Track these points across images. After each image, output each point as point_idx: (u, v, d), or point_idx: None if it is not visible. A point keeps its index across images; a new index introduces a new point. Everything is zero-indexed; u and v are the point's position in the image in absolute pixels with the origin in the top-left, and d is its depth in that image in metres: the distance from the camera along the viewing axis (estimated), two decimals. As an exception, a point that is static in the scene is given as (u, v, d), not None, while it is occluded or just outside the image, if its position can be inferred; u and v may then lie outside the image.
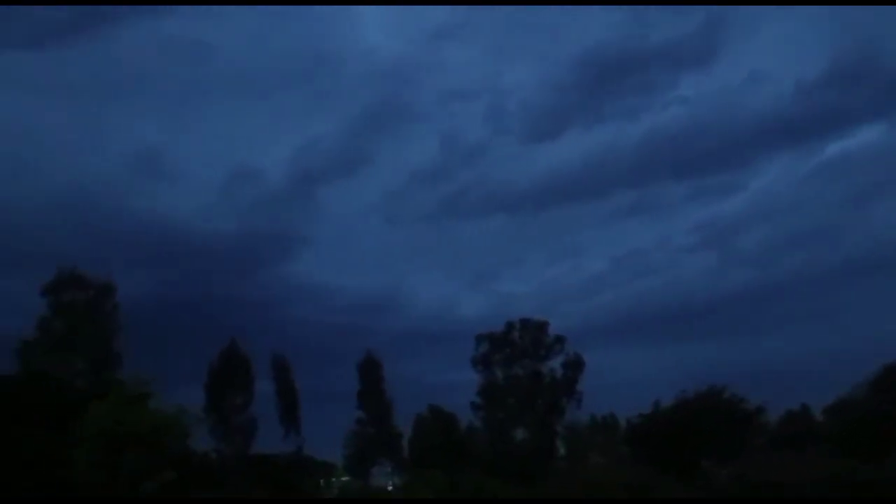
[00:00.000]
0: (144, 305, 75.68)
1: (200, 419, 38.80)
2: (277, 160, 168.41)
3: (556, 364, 65.28)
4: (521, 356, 65.64)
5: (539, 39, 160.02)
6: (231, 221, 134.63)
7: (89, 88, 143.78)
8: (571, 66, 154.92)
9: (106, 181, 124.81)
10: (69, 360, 52.74)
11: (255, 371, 57.80)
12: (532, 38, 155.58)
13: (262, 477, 51.40)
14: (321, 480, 58.77)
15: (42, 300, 52.98)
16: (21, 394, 45.20)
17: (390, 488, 58.37)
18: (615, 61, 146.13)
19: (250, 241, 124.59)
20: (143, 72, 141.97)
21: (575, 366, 64.63)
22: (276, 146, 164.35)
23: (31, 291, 53.31)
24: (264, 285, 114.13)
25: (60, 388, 48.51)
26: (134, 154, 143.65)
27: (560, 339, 65.47)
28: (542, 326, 65.88)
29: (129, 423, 24.27)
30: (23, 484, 35.45)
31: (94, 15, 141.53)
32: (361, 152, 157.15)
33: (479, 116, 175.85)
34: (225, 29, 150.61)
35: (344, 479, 62.43)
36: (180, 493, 32.41)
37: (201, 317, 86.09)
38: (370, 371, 63.29)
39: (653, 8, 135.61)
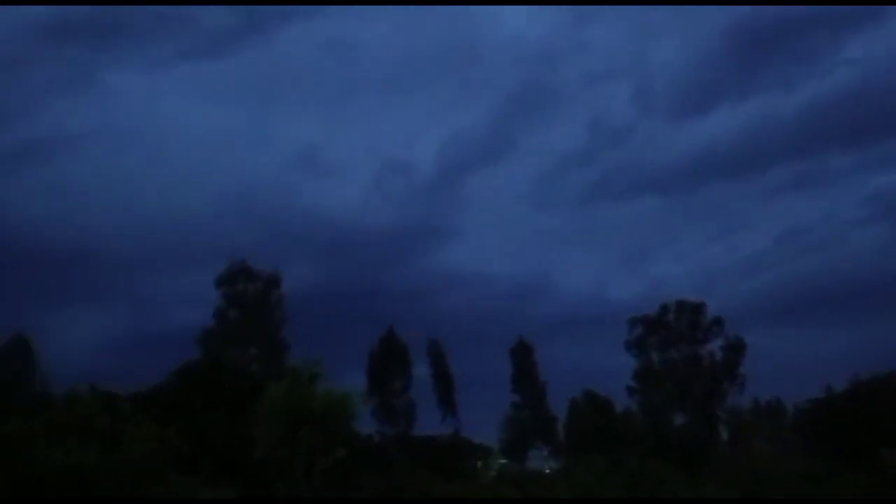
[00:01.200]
0: (308, 296, 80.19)
1: (366, 400, 40.90)
2: (426, 152, 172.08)
3: (714, 347, 62.99)
4: (677, 339, 63.72)
5: (685, 13, 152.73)
6: (385, 214, 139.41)
7: (256, 91, 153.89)
8: (721, 38, 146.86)
9: (271, 179, 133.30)
10: (244, 348, 57.08)
11: (413, 357, 59.93)
12: (677, 11, 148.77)
13: (423, 458, 53.08)
14: (479, 463, 59.92)
15: (217, 292, 57.74)
16: (205, 379, 49.42)
17: (547, 471, 58.51)
18: (769, 29, 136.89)
19: (404, 232, 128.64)
20: (302, 73, 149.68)
21: (736, 349, 61.91)
22: (424, 139, 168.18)
23: (208, 284, 58.15)
24: (419, 274, 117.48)
25: (237, 373, 52.58)
26: (296, 152, 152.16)
27: (719, 321, 62.92)
28: (699, 308, 63.58)
29: (303, 402, 25.90)
30: (210, 462, 38.68)
31: (259, 21, 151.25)
32: (508, 139, 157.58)
33: (626, 96, 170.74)
34: (370, 28, 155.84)
35: (501, 461, 63.28)
36: (350, 472, 34.39)
37: (360, 306, 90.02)
38: (523, 356, 63.71)
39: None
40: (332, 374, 28.32)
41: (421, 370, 60.44)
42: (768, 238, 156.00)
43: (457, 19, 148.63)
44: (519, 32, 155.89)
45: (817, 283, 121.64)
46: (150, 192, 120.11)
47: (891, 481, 39.04)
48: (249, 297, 57.57)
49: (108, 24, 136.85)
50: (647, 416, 63.12)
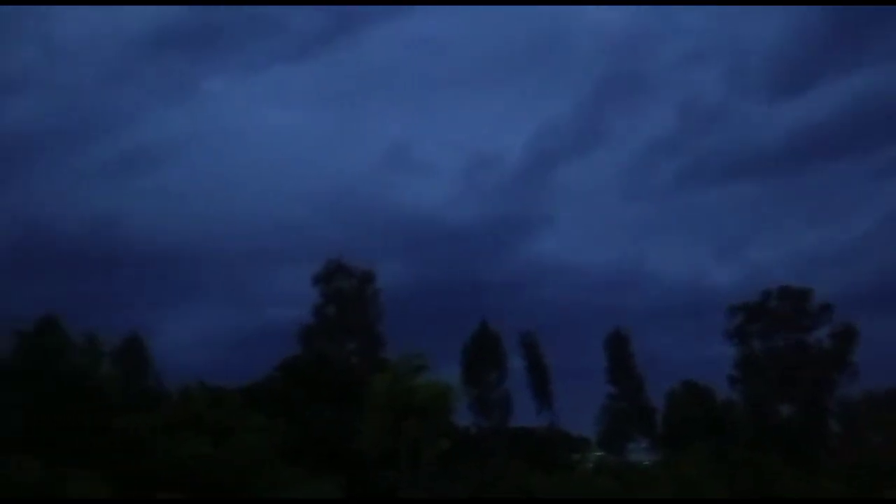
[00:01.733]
0: (402, 291, 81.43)
1: (467, 392, 41.43)
2: (514, 145, 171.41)
3: (822, 335, 60.24)
4: (780, 327, 61.30)
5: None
6: (475, 207, 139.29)
7: (346, 91, 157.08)
8: (822, 10, 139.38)
9: (363, 178, 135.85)
10: (342, 343, 58.75)
11: (507, 349, 60.00)
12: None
13: (519, 450, 53.21)
14: (577, 455, 59.50)
15: (314, 289, 59.62)
16: (307, 373, 51.15)
17: (646, 463, 57.52)
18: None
19: (494, 225, 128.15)
20: (389, 71, 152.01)
21: (846, 336, 59.02)
22: (512, 131, 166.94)
23: (306, 282, 60.06)
24: (510, 267, 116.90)
25: (338, 368, 54.19)
26: (385, 150, 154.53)
27: (827, 308, 60.13)
28: (804, 294, 60.92)
29: (407, 395, 26.49)
30: (314, 453, 39.98)
31: (346, 22, 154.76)
32: (596, 128, 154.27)
33: (719, 77, 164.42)
34: (454, 24, 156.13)
35: (598, 454, 62.61)
36: (452, 464, 34.87)
37: (453, 300, 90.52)
38: (618, 346, 62.74)
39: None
40: (429, 368, 28.76)
41: (515, 362, 60.52)
42: (873, 221, 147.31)
43: (540, 9, 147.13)
44: (605, 18, 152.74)
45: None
46: (249, 194, 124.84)
47: None
48: (346, 294, 59.14)
49: (204, 32, 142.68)
50: (749, 406, 61.07)
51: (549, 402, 60.07)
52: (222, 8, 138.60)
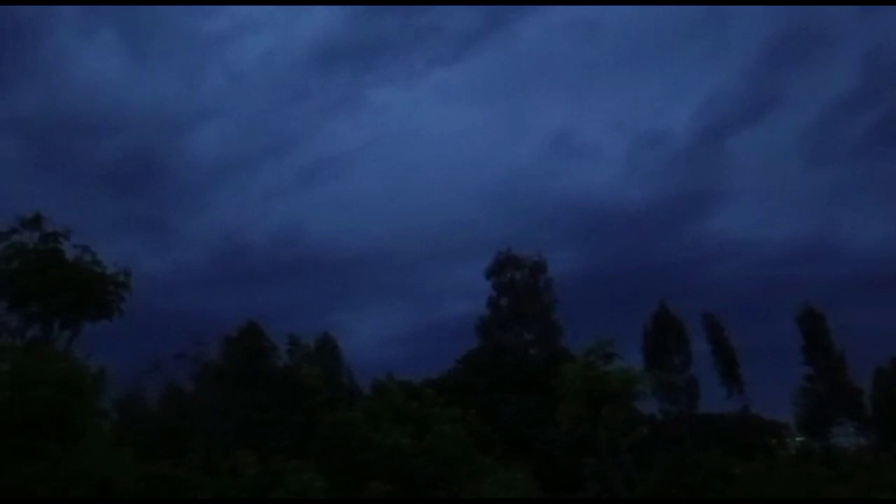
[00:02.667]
0: (575, 278, 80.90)
1: (660, 378, 40.51)
2: (680, 120, 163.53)
3: None
4: None
5: None
6: (644, 188, 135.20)
7: (505, 86, 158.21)
8: None
9: (528, 169, 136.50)
10: (518, 333, 59.22)
11: (689, 332, 57.81)
12: None
13: (710, 436, 51.03)
14: (773, 440, 56.09)
15: (488, 282, 60.54)
16: (489, 364, 52.06)
17: (854, 449, 53.16)
18: None
19: (665, 205, 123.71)
20: (547, 60, 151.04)
21: None
22: (676, 107, 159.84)
23: (479, 275, 61.10)
24: (685, 246, 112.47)
25: (517, 358, 54.68)
26: (549, 139, 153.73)
27: None
28: None
29: (600, 381, 26.27)
30: (506, 443, 40.52)
31: (499, 17, 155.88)
32: (769, 93, 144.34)
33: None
34: (606, 4, 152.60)
35: (799, 439, 58.65)
36: (642, 451, 34.18)
37: (628, 284, 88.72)
38: (812, 324, 58.48)
39: None
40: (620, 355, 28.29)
41: (699, 346, 58.11)
42: None
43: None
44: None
45: None
46: (421, 195, 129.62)
47: None
48: (518, 285, 59.55)
49: (365, 46, 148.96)
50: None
51: (739, 386, 57.20)
52: (378, 21, 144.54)
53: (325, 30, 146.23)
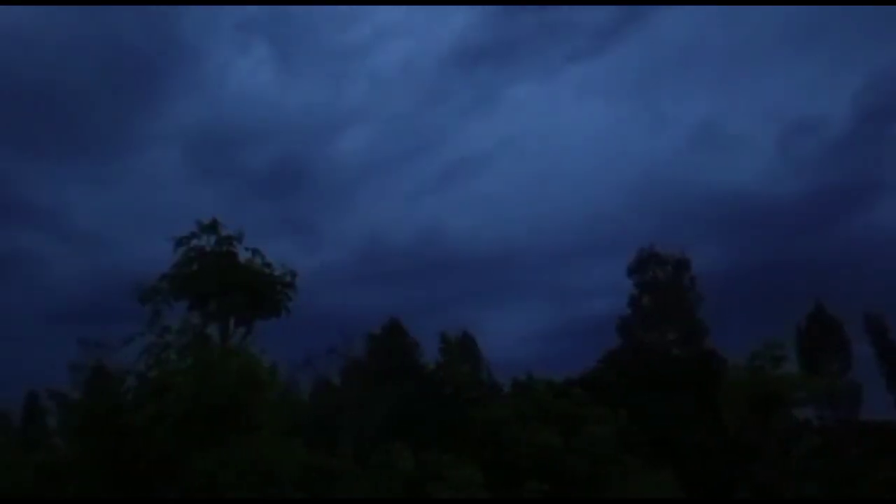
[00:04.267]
0: (721, 275, 77.80)
1: (829, 385, 38.33)
2: (838, 105, 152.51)
3: None
4: None
5: None
6: (796, 179, 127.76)
7: (644, 79, 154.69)
8: None
9: (669, 162, 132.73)
10: (661, 332, 57.51)
11: (849, 334, 54.06)
12: None
13: (877, 446, 47.58)
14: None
15: (629, 280, 59.20)
16: (630, 364, 51.02)
17: None
18: None
19: (820, 196, 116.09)
20: (688, 50, 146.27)
21: None
22: (833, 91, 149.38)
23: (619, 273, 59.88)
24: (841, 242, 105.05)
25: (660, 358, 53.23)
26: (691, 130, 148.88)
27: None
28: None
29: (767, 386, 25.16)
30: (651, 444, 39.61)
31: (635, 10, 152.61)
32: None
33: None
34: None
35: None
36: (807, 459, 32.36)
37: (779, 281, 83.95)
38: None
39: None
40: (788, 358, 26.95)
41: (861, 348, 54.24)
42: None
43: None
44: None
45: None
46: (560, 192, 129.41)
47: None
48: (661, 283, 57.88)
49: (501, 44, 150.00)
50: None
51: (907, 392, 52.91)
52: (515, 19, 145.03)
53: (462, 31, 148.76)
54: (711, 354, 50.01)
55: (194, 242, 25.53)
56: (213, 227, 25.68)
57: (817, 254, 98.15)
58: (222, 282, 24.96)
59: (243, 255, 26.10)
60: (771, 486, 26.79)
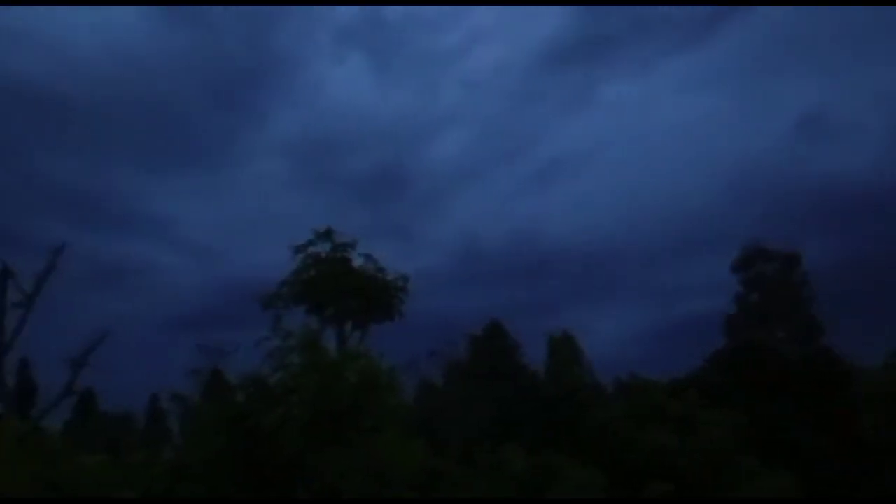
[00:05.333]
0: (834, 270, 73.95)
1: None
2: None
3: None
4: None
5: None
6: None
7: (743, 69, 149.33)
8: None
9: (773, 153, 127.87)
10: (770, 331, 55.25)
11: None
12: None
13: None
14: None
15: (734, 277, 57.08)
16: (739, 364, 49.32)
17: None
18: None
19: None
20: (794, 38, 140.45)
21: None
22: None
23: (722, 270, 57.83)
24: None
25: (769, 358, 51.20)
26: (796, 120, 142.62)
27: None
28: None
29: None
30: (767, 446, 38.23)
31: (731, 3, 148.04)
32: None
33: None
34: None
35: None
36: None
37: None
38: None
39: None
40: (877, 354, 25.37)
41: None
42: None
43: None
44: None
45: None
46: (656, 189, 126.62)
47: None
48: (768, 279, 55.66)
49: (593, 42, 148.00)
50: None
51: None
52: (606, 16, 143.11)
53: (553, 31, 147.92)
54: (827, 353, 47.80)
55: (311, 250, 26.59)
56: (327, 234, 26.64)
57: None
58: (338, 287, 25.83)
59: (357, 261, 27.02)
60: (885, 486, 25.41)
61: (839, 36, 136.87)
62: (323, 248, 26.55)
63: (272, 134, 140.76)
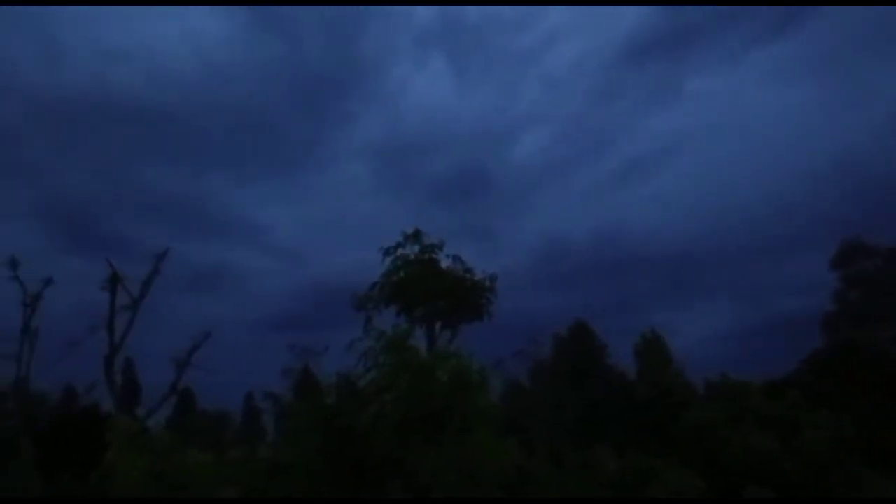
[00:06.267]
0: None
1: None
2: None
3: None
4: None
5: None
6: None
7: (836, 56, 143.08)
8: None
9: (869, 144, 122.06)
10: (872, 330, 52.61)
11: None
12: None
13: None
14: None
15: (832, 274, 54.63)
16: (839, 365, 47.17)
17: None
18: None
19: None
20: (886, 26, 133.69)
21: None
22: None
23: (819, 266, 55.53)
24: None
25: (871, 358, 48.73)
26: (893, 108, 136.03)
27: None
28: None
29: None
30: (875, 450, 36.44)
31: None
32: None
33: None
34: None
35: None
36: None
37: None
38: None
39: None
40: None
41: None
42: None
43: None
44: None
45: None
46: (746, 184, 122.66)
47: None
48: (870, 276, 52.99)
49: (678, 35, 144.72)
50: None
51: None
52: (689, 7, 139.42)
53: (634, 26, 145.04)
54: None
55: (400, 252, 27.00)
56: (416, 236, 26.99)
57: None
58: (428, 288, 26.13)
59: (444, 262, 27.28)
60: None
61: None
62: (411, 250, 26.89)
63: (356, 138, 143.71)
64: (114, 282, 34.47)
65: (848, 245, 54.00)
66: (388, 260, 26.65)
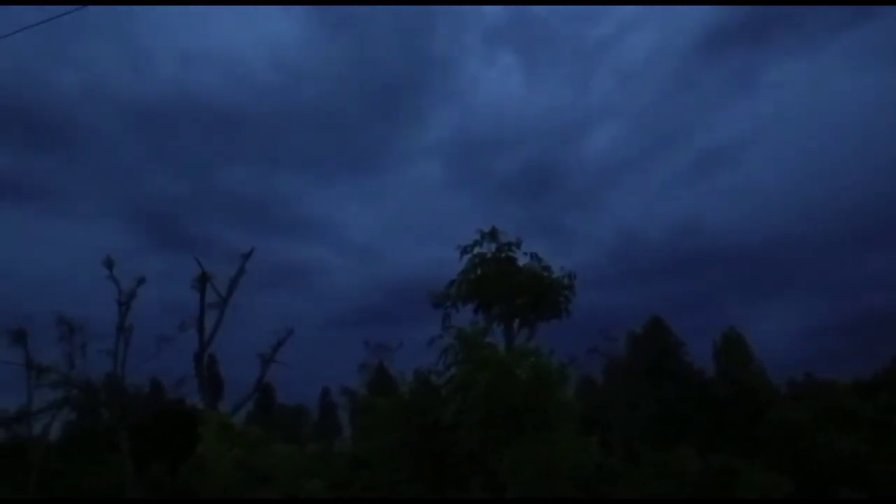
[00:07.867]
0: None
1: None
2: None
3: None
4: None
5: None
6: None
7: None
8: None
9: None
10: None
11: None
12: None
13: None
14: None
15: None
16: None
17: None
18: None
19: None
20: None
21: None
22: None
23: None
24: None
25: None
26: None
27: None
28: None
29: None
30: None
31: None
32: None
33: None
34: None
35: None
36: None
37: None
38: None
39: None
40: None
41: None
42: None
43: None
44: None
45: None
46: (827, 174, 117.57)
47: None
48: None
49: (757, 20, 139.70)
50: None
51: None
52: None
53: (709, 15, 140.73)
54: None
55: (477, 250, 27.11)
56: (492, 234, 27.09)
57: None
58: (505, 286, 26.19)
59: (521, 260, 27.24)
60: None
61: None
62: (488, 248, 26.98)
63: (427, 136, 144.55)
64: (203, 281, 35.78)
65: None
66: (466, 258, 26.77)
